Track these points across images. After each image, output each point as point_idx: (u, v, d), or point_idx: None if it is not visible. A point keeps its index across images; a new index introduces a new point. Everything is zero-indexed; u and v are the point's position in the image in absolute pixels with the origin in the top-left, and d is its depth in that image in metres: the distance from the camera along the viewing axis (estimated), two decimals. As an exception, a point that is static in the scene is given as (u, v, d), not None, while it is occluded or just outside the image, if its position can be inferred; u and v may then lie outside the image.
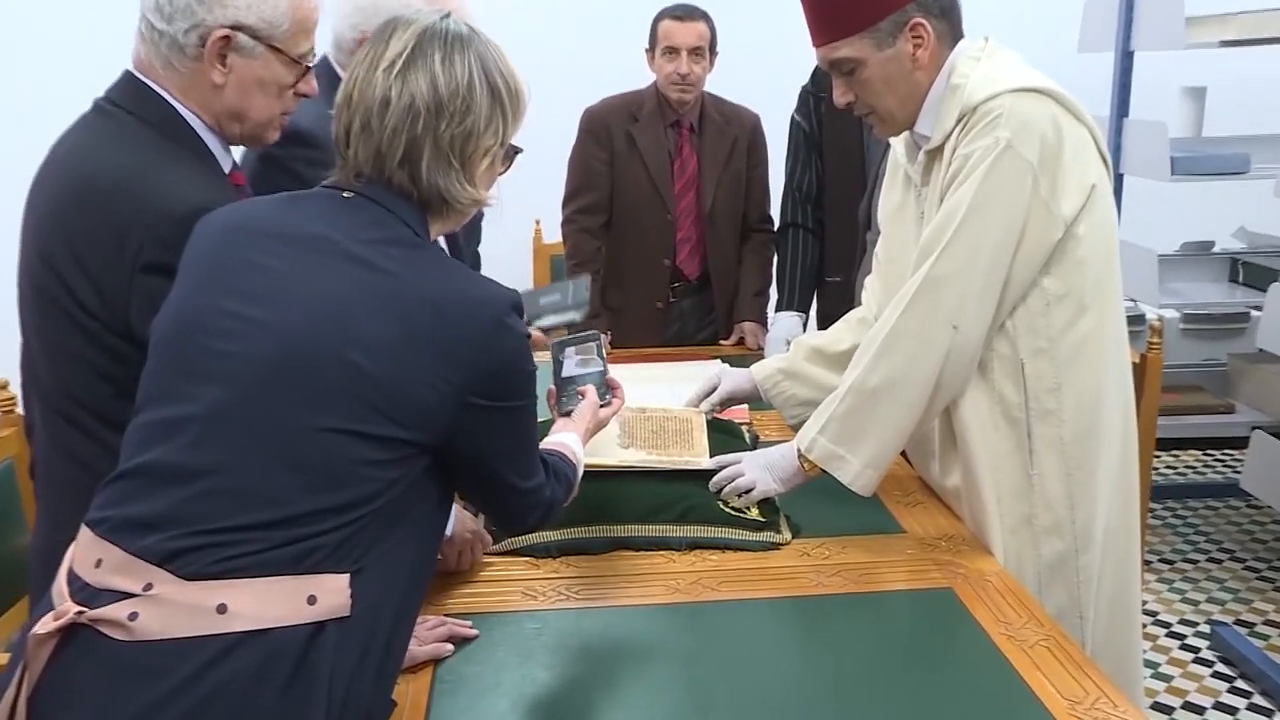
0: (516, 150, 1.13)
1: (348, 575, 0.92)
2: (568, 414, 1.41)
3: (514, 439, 1.06)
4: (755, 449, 1.87)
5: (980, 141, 1.41)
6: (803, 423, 1.82)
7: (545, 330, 1.66)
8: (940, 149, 1.50)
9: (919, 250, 1.50)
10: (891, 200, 1.68)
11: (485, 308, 0.98)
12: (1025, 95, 1.41)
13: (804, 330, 2.60)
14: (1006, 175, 1.40)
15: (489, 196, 1.11)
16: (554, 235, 3.37)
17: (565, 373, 1.47)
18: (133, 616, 0.87)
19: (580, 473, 1.31)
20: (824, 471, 1.56)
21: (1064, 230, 1.43)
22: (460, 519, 1.42)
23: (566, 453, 1.30)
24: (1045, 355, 1.47)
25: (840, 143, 2.54)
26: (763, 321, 2.76)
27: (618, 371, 1.87)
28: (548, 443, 1.24)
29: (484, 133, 1.05)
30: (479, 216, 2.60)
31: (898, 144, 1.66)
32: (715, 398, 1.86)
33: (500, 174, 1.13)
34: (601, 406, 1.45)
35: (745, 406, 2.10)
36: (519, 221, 3.93)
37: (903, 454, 1.74)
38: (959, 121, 1.45)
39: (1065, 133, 1.41)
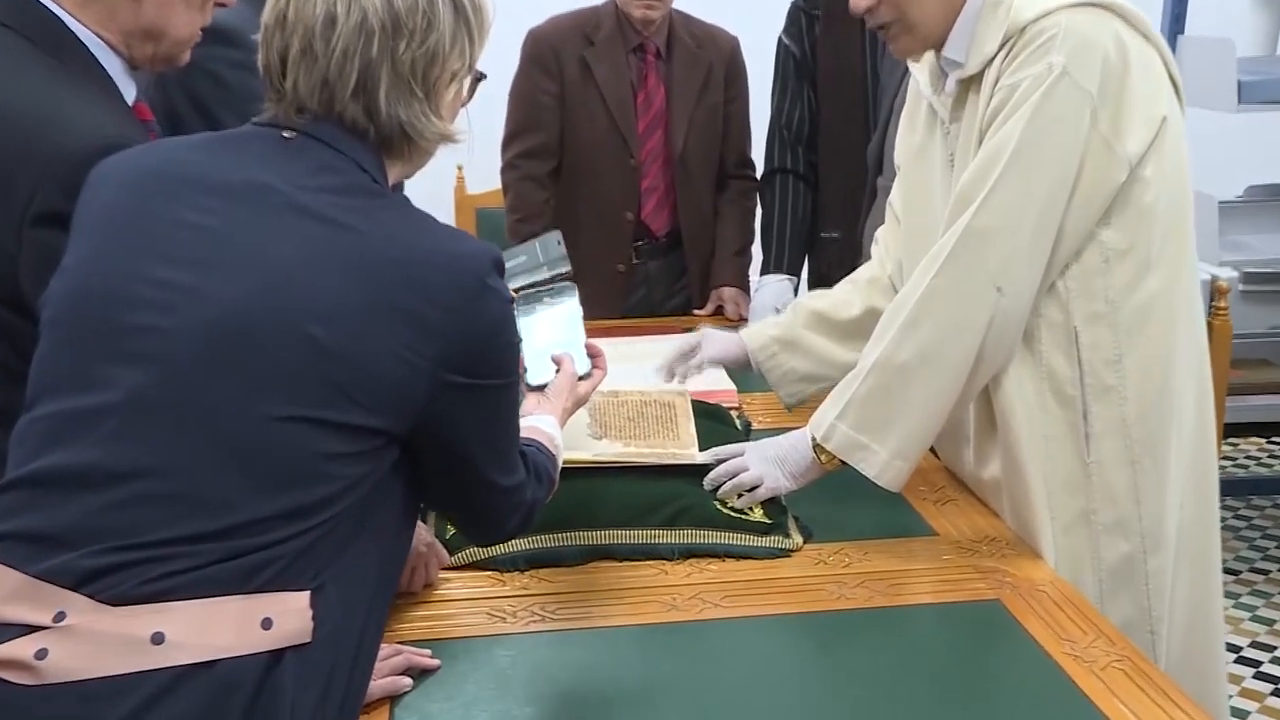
0: (481, 76, 1.11)
1: (308, 593, 0.90)
2: (540, 389, 1.39)
3: (496, 425, 1.05)
4: (749, 437, 1.89)
5: (1030, 69, 1.41)
6: (801, 402, 1.86)
7: (515, 293, 1.66)
8: (977, 78, 1.50)
9: (955, 199, 1.51)
10: (912, 140, 1.68)
11: (465, 266, 0.96)
12: (1083, 11, 1.41)
13: (795, 296, 2.61)
14: (1061, 108, 1.40)
15: (456, 131, 1.10)
16: (481, 184, 3.38)
17: (534, 338, 1.45)
18: (41, 654, 0.84)
19: (560, 466, 1.30)
20: (843, 464, 1.56)
21: (1128, 172, 1.44)
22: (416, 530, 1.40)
23: (544, 441, 1.28)
24: (1104, 321, 1.48)
25: (840, 70, 2.53)
26: (745, 287, 2.76)
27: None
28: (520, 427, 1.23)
29: (449, 54, 1.04)
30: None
31: (920, 72, 1.66)
32: (695, 361, 1.86)
33: (464, 105, 1.11)
34: (580, 379, 1.43)
35: (734, 388, 2.12)
36: (436, 167, 3.85)
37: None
38: (1003, 45, 1.45)
39: (1131, 56, 1.41)
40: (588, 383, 1.44)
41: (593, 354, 1.47)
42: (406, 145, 1.05)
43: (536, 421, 1.32)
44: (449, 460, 1.02)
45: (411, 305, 0.94)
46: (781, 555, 1.56)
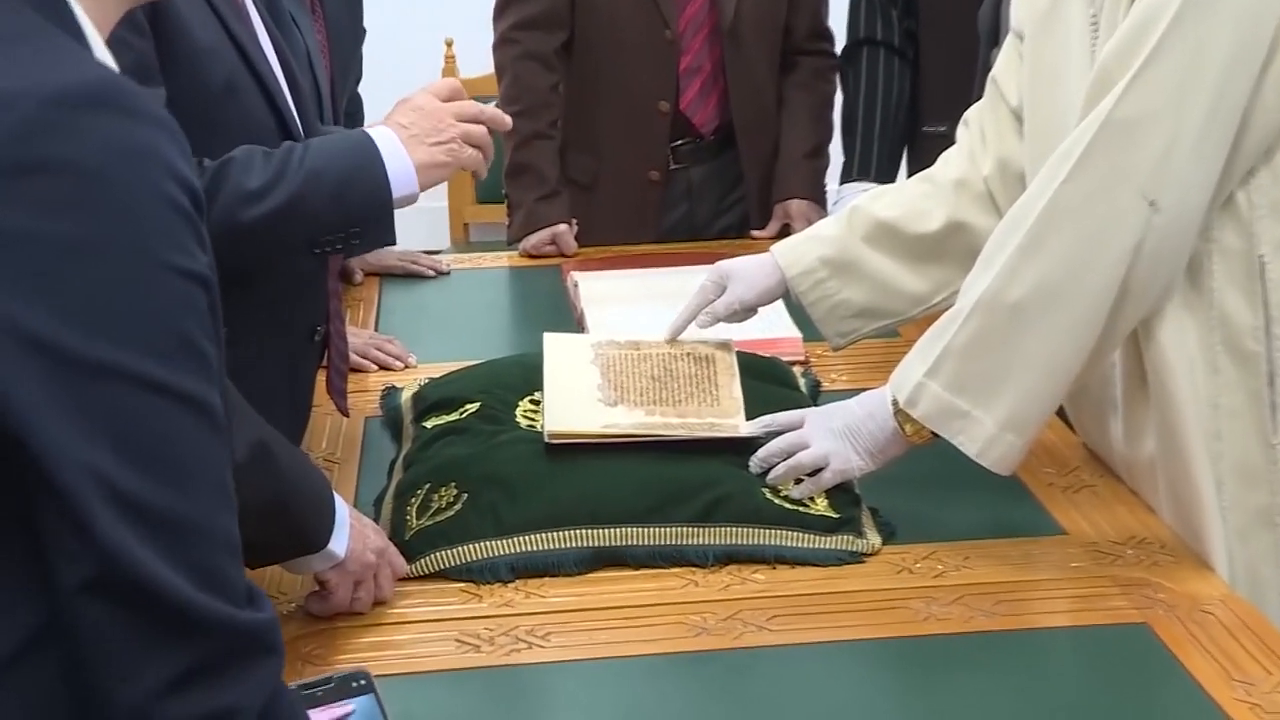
0: None
1: None
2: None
3: (149, 464, 0.86)
4: (817, 403, 1.88)
5: None
6: (854, 342, 1.87)
7: None
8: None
9: (1094, 77, 1.49)
10: (1039, 2, 1.67)
11: (22, 102, 0.85)
12: None
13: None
14: None
15: None
16: (477, 64, 3.39)
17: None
18: None
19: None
20: (935, 436, 1.56)
21: None
22: (357, 531, 1.43)
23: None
24: (1304, 249, 1.48)
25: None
26: (820, 200, 2.76)
27: (590, 284, 1.83)
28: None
29: None
30: (354, 39, 2.57)
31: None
32: (720, 308, 1.86)
33: None
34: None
35: (797, 335, 2.11)
36: (423, 41, 3.89)
37: (1059, 411, 1.72)
38: None
39: None
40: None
41: None
42: None
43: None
44: (57, 534, 0.85)
45: None
46: (852, 561, 1.56)
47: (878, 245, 1.81)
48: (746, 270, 1.87)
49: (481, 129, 1.62)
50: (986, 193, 1.77)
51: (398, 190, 1.56)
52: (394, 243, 1.67)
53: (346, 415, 1.88)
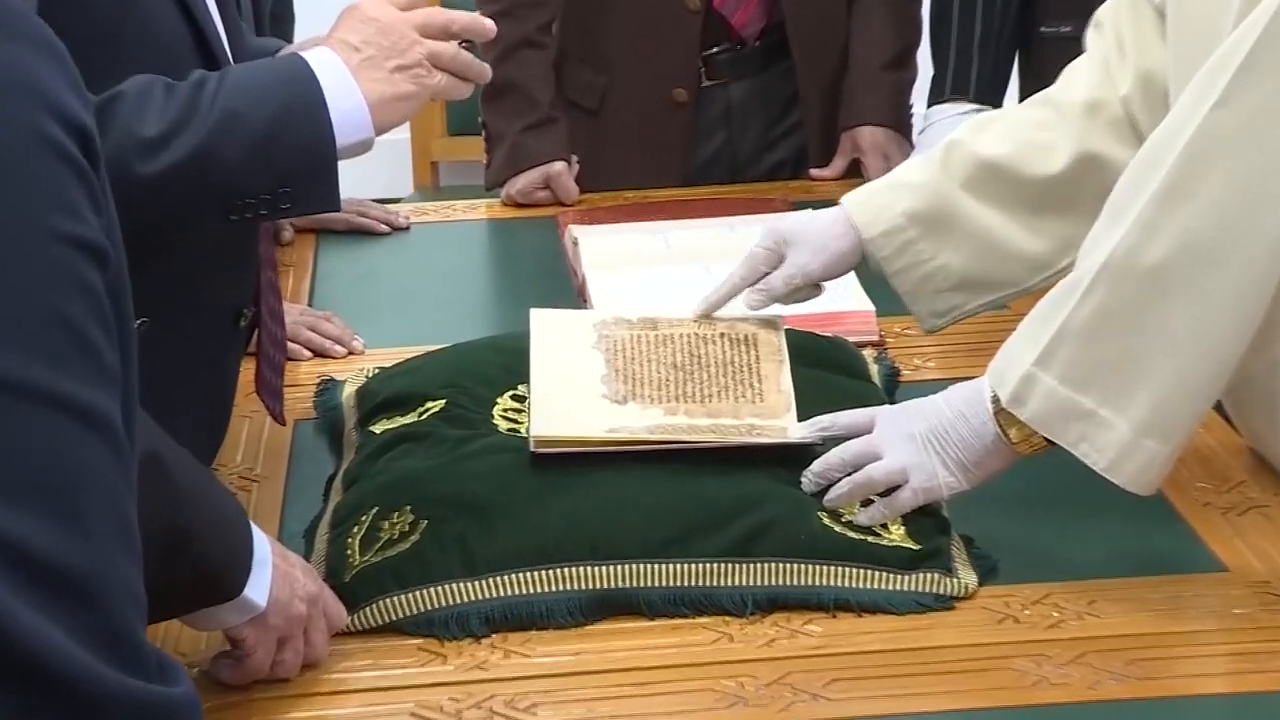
0: None
1: None
2: None
3: (28, 497, 0.86)
4: (893, 399, 1.90)
5: None
6: (953, 322, 1.89)
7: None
8: None
9: None
10: None
11: None
12: None
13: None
14: None
15: None
16: None
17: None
18: None
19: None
20: (1050, 445, 1.57)
21: None
22: (282, 573, 1.43)
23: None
24: None
25: None
26: (903, 127, 2.79)
27: (595, 243, 1.83)
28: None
29: None
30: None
31: None
32: (777, 283, 1.86)
33: None
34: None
35: (869, 308, 2.13)
36: None
37: (1216, 407, 1.74)
38: None
39: None
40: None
41: None
42: None
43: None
44: None
45: None
46: (939, 607, 1.58)
47: (983, 193, 1.83)
48: (810, 231, 1.88)
49: (454, 46, 1.63)
50: (1126, 118, 1.78)
51: (344, 136, 1.56)
52: (338, 206, 1.66)
53: (282, 421, 1.89)
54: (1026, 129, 1.85)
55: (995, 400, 1.58)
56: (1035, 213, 1.82)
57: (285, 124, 1.54)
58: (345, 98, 1.56)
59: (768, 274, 1.86)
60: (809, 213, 1.92)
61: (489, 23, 1.69)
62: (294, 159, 1.56)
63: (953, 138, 1.88)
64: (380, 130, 1.59)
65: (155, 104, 1.50)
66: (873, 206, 1.86)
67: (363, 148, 1.59)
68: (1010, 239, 1.83)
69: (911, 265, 1.85)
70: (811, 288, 1.88)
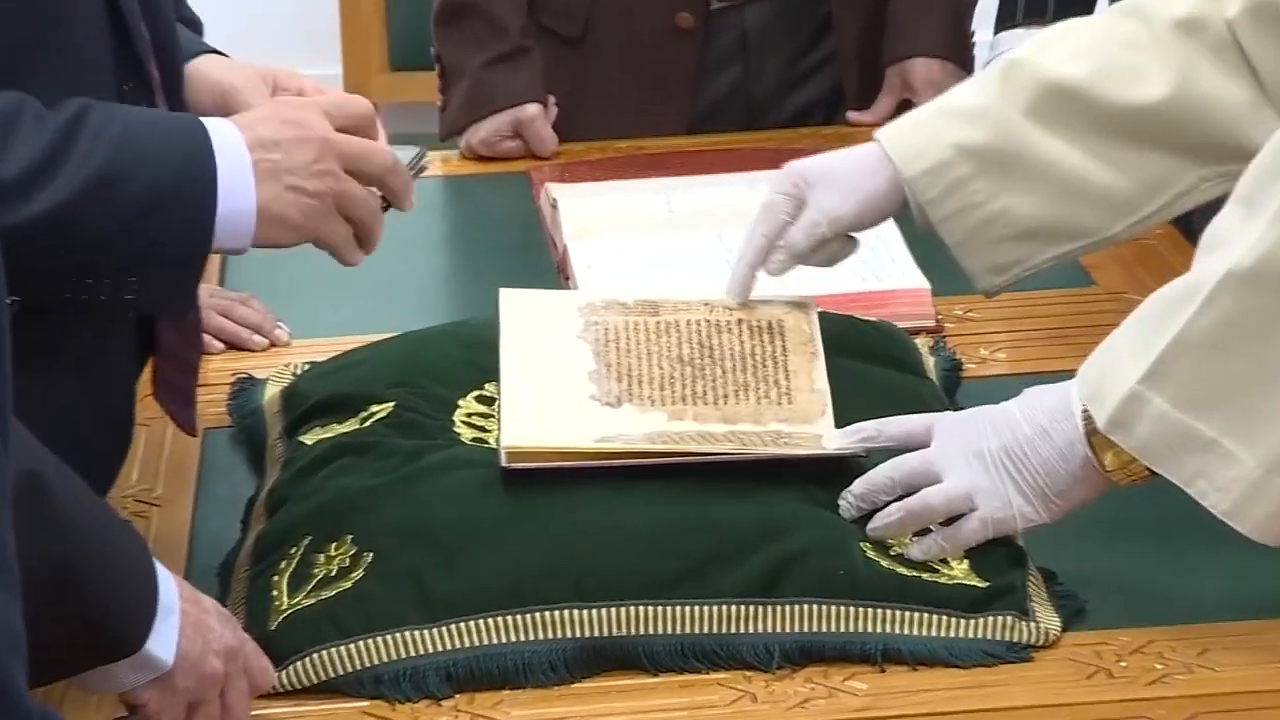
0: None
1: None
2: None
3: None
4: (954, 401, 1.92)
5: None
6: (1017, 280, 1.90)
7: None
8: None
9: None
10: None
11: None
12: None
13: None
14: None
15: None
16: None
17: None
18: None
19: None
20: (1153, 475, 1.58)
21: None
22: (194, 621, 1.42)
23: None
24: None
25: None
26: (963, 59, 2.82)
27: (579, 206, 1.83)
28: None
29: None
30: None
31: None
32: (798, 234, 1.87)
33: None
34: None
35: (924, 285, 2.15)
36: None
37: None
38: None
39: None
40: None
41: None
42: None
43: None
44: None
45: None
46: (1013, 658, 1.58)
47: (1054, 121, 1.84)
48: (837, 170, 1.89)
49: (372, 199, 1.63)
50: (1232, 41, 1.79)
51: (219, 240, 1.55)
52: (183, 316, 1.65)
53: (192, 432, 1.89)
54: (1109, 46, 1.85)
55: (1088, 419, 1.58)
56: (1118, 145, 1.82)
57: (163, 206, 1.53)
58: (237, 197, 1.55)
59: (788, 224, 1.87)
60: (837, 151, 1.93)
61: (412, 200, 1.70)
62: (159, 249, 1.55)
63: (1014, 55, 1.89)
64: (258, 244, 1.59)
65: (20, 137, 1.47)
66: (914, 139, 1.87)
67: (232, 252, 1.61)
68: (1087, 176, 1.83)
69: (964, 209, 1.85)
70: (843, 241, 1.89)
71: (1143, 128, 1.80)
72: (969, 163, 1.84)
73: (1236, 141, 1.79)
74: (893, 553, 1.62)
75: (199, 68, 1.82)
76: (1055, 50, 1.87)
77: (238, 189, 1.54)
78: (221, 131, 1.56)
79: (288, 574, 1.61)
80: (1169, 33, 1.82)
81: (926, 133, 1.87)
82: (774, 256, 1.86)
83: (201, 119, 1.59)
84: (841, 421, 1.71)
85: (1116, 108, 1.82)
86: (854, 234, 1.90)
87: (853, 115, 2.78)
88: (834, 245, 1.88)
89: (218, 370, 2.09)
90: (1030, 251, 1.86)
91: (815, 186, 1.87)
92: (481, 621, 1.56)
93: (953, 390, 1.96)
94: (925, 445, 1.65)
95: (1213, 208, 1.65)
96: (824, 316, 1.87)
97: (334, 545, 1.62)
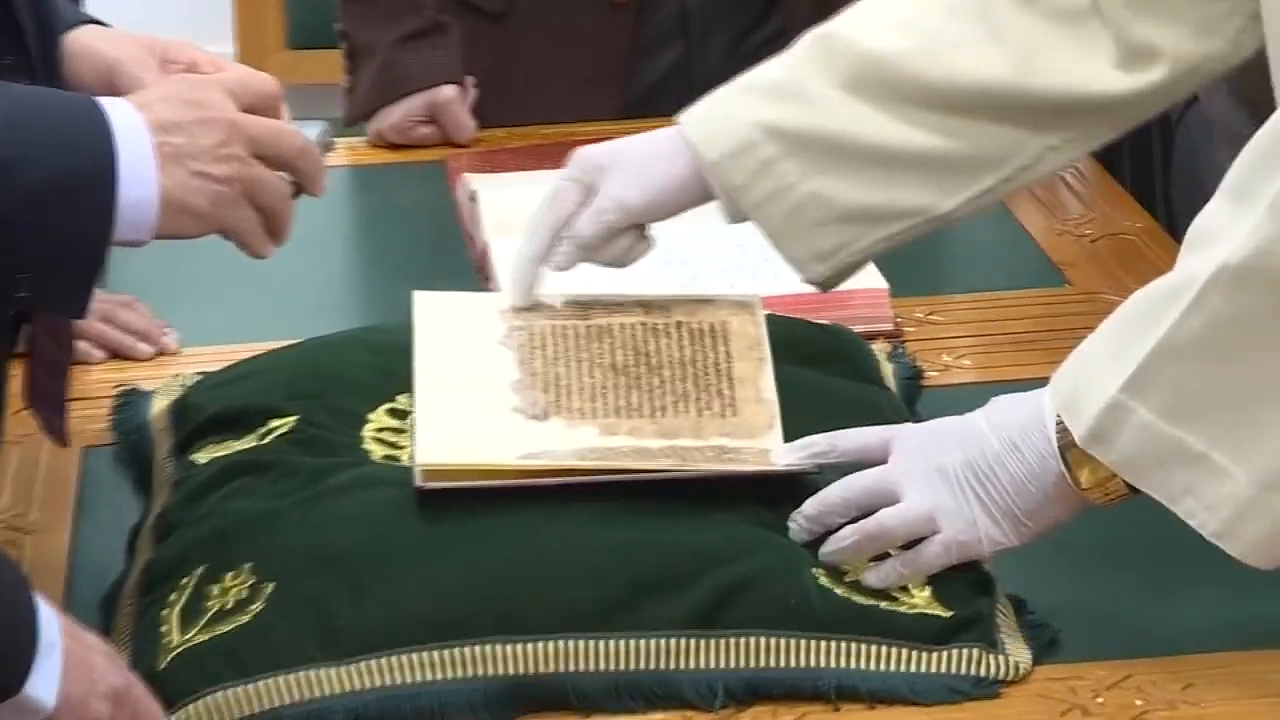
0: None
1: None
2: None
3: None
4: (915, 412, 1.94)
5: None
6: (847, 271, 1.91)
7: None
8: None
9: None
10: None
11: None
12: None
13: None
14: None
15: None
16: None
17: None
18: None
19: None
20: (1134, 492, 1.59)
21: None
22: (77, 660, 1.42)
23: None
24: None
25: None
26: None
27: (501, 198, 1.82)
28: None
29: None
30: None
31: None
32: (584, 223, 1.87)
33: None
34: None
35: (882, 285, 2.17)
36: None
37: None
38: None
39: None
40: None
41: None
42: None
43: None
44: None
45: None
46: (982, 694, 1.59)
47: (871, 95, 1.85)
48: (629, 155, 1.90)
49: (280, 184, 1.62)
50: (1090, 6, 1.80)
51: (123, 229, 1.54)
52: (82, 315, 1.63)
53: (65, 442, 1.88)
54: (932, 16, 1.86)
55: (1063, 431, 1.59)
56: (947, 116, 1.83)
57: (60, 197, 1.51)
58: (139, 185, 1.54)
59: (574, 213, 1.88)
60: (634, 136, 1.93)
61: (324, 184, 1.69)
62: (55, 245, 1.53)
63: (825, 28, 1.88)
64: (161, 235, 1.57)
65: None
66: (713, 119, 1.87)
67: (133, 244, 1.57)
68: (910, 149, 1.84)
69: (776, 193, 1.85)
70: (636, 236, 1.89)
71: (976, 101, 1.81)
72: (775, 142, 1.85)
73: (1080, 104, 1.81)
74: (848, 579, 1.62)
75: (80, 40, 1.81)
76: (870, 19, 1.87)
77: (139, 176, 1.52)
78: (120, 113, 1.54)
79: (179, 607, 1.61)
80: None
81: (726, 111, 1.88)
82: (558, 248, 1.87)
83: (97, 99, 1.57)
84: (791, 435, 1.72)
85: (943, 82, 1.83)
86: (647, 229, 1.90)
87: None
88: (625, 240, 1.88)
89: (99, 382, 2.08)
90: (854, 234, 1.86)
91: (606, 171, 1.88)
92: (394, 658, 1.55)
93: (913, 400, 1.97)
94: (883, 461, 1.66)
95: (1196, 198, 1.66)
96: (772, 319, 1.87)
97: (230, 575, 1.61)
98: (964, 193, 1.82)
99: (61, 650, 1.39)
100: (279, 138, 1.61)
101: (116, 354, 2.13)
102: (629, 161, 1.88)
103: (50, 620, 1.39)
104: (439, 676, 1.56)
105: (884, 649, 1.59)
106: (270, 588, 1.59)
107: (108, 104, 1.54)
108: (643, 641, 1.58)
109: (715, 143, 1.85)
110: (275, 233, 1.63)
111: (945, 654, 1.59)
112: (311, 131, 1.70)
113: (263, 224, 1.61)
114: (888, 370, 1.99)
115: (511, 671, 1.56)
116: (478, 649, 1.56)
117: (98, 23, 1.89)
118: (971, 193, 1.82)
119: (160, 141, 1.54)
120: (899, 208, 1.84)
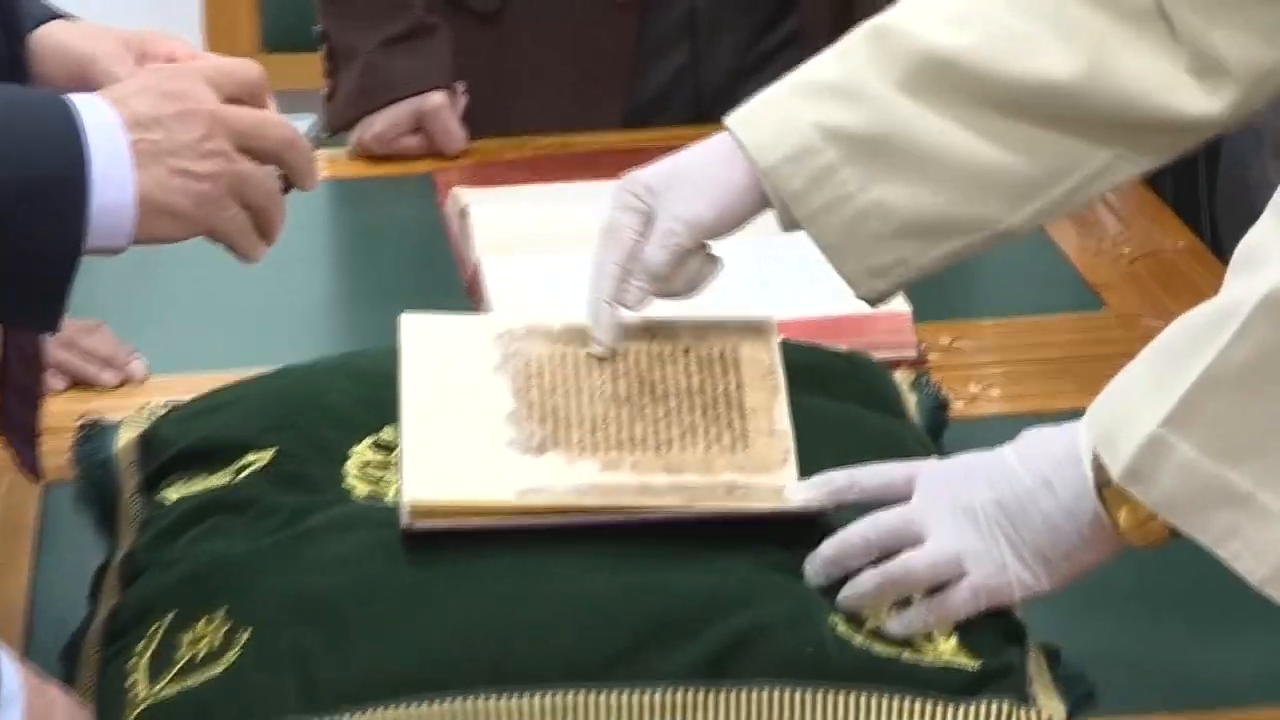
0: None
1: None
2: None
3: None
4: (938, 447, 1.94)
5: None
6: (897, 288, 1.92)
7: None
8: None
9: None
10: None
11: None
12: None
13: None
14: None
15: None
16: None
17: None
18: None
19: None
20: (1174, 535, 1.59)
21: None
22: (38, 711, 1.43)
23: None
24: None
25: None
26: None
27: (494, 214, 1.83)
28: None
29: None
30: None
31: None
32: (654, 252, 1.85)
33: None
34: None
35: (905, 309, 2.17)
36: None
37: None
38: None
39: None
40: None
41: None
42: None
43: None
44: None
45: None
46: None
47: (933, 96, 1.84)
48: (685, 169, 1.89)
49: (268, 179, 1.62)
50: (1155, 9, 1.80)
51: (93, 238, 1.54)
52: (54, 329, 1.64)
53: (37, 475, 1.88)
54: (995, 9, 1.86)
55: (1099, 468, 1.59)
56: (1012, 122, 1.83)
57: (25, 206, 1.51)
58: (113, 188, 1.54)
59: (639, 242, 1.86)
60: (681, 151, 1.91)
61: (317, 178, 1.70)
62: (20, 256, 1.54)
63: (880, 20, 1.88)
64: (140, 240, 1.57)
65: None
66: (769, 122, 1.87)
67: (109, 252, 1.58)
68: (976, 157, 1.83)
69: (834, 202, 1.85)
70: (704, 258, 1.88)
71: (1042, 105, 1.81)
72: (836, 147, 1.84)
73: (1155, 117, 1.81)
74: (868, 627, 1.62)
75: (50, 36, 1.82)
76: (931, 13, 1.87)
77: (114, 177, 1.53)
78: (91, 110, 1.55)
79: (147, 656, 1.61)
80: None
81: (783, 113, 1.87)
82: (629, 285, 1.84)
83: (67, 96, 1.57)
84: (807, 470, 1.72)
85: (1009, 83, 1.83)
86: (714, 248, 1.89)
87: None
88: (694, 263, 1.87)
89: (60, 413, 2.07)
90: (915, 250, 1.87)
91: (662, 194, 1.87)
92: (380, 712, 1.55)
93: (938, 433, 1.97)
94: (906, 499, 1.66)
95: (1244, 217, 1.67)
96: (787, 346, 1.87)
97: (203, 622, 1.61)
98: (1031, 205, 1.83)
99: (24, 705, 1.40)
100: (265, 129, 1.61)
101: (79, 382, 2.13)
102: (688, 176, 1.87)
103: (10, 670, 1.40)
104: (430, 725, 1.56)
105: (907, 702, 1.58)
106: (246, 635, 1.59)
107: (78, 100, 1.54)
108: (646, 694, 1.57)
109: (771, 147, 1.85)
110: (265, 232, 1.64)
111: (973, 707, 1.58)
112: (300, 125, 1.70)
113: (251, 223, 1.61)
114: (910, 400, 1.99)
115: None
116: (469, 702, 1.56)
117: (66, 17, 1.89)
118: (1039, 205, 1.82)
119: (136, 139, 1.54)
120: (964, 221, 1.84)
